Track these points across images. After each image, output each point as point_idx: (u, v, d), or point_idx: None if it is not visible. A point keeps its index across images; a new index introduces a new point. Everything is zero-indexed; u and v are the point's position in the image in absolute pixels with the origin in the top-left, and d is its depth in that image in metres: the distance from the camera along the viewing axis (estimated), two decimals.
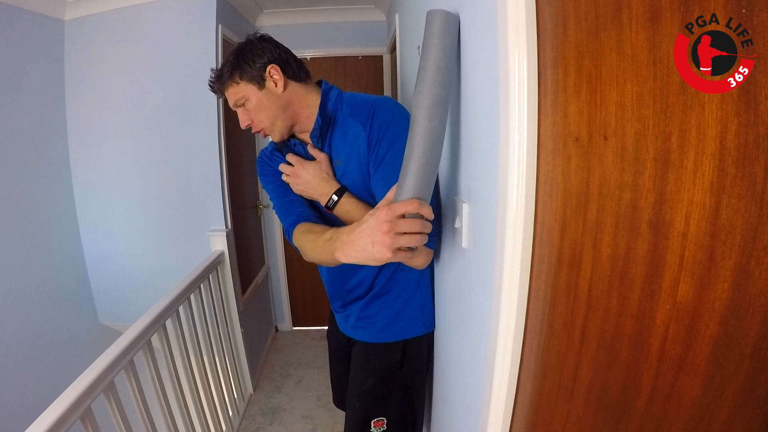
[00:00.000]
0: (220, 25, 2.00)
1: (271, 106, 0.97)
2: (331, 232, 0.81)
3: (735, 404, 0.29)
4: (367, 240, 0.68)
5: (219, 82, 0.98)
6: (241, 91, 0.96)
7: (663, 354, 0.34)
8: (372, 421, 1.13)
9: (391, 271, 1.08)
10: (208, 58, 1.97)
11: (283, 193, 1.07)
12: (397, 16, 1.96)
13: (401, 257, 0.68)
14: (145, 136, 2.11)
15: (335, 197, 0.97)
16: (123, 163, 2.15)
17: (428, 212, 0.69)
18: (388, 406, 1.14)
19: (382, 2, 2.46)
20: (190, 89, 2.01)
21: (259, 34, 0.99)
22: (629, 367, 0.38)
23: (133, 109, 2.09)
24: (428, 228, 0.69)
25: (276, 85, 0.96)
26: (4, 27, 1.73)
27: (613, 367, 0.40)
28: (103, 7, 1.99)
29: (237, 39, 2.23)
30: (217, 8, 1.97)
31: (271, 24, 2.63)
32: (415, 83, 0.73)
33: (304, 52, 2.67)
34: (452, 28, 0.73)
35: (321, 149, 1.02)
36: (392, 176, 0.88)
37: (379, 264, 0.69)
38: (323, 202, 1.00)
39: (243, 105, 0.98)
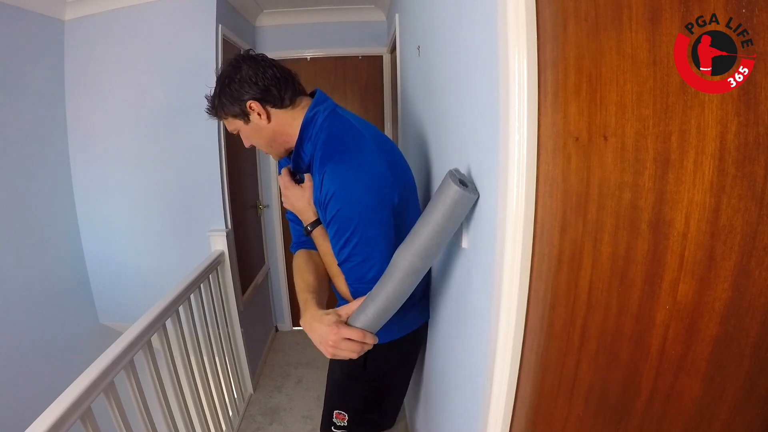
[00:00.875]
0: (220, 25, 2.00)
1: (260, 137, 1.01)
2: (306, 296, 0.94)
3: (735, 404, 0.29)
4: (317, 338, 0.86)
5: (213, 113, 1.03)
6: (231, 124, 1.02)
7: (663, 354, 0.34)
8: (335, 411, 1.17)
9: None
10: (208, 58, 1.97)
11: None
12: (397, 16, 1.96)
13: (341, 358, 0.85)
14: (145, 136, 2.11)
15: (309, 228, 1.05)
16: (123, 163, 2.15)
17: (371, 340, 0.84)
18: (349, 401, 1.17)
19: (382, 2, 2.46)
20: (190, 89, 2.01)
21: (236, 60, 0.97)
22: (629, 367, 0.38)
23: (133, 109, 2.08)
24: (367, 348, 0.85)
25: (260, 117, 0.97)
26: (4, 27, 1.73)
27: (613, 367, 0.40)
28: (103, 7, 1.99)
29: (237, 39, 2.23)
30: (217, 8, 1.97)
31: (271, 24, 2.63)
32: (407, 235, 0.79)
33: (304, 52, 2.67)
34: (460, 211, 0.71)
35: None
36: (334, 241, 0.93)
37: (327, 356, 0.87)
38: (304, 224, 1.07)
39: (239, 133, 1.03)
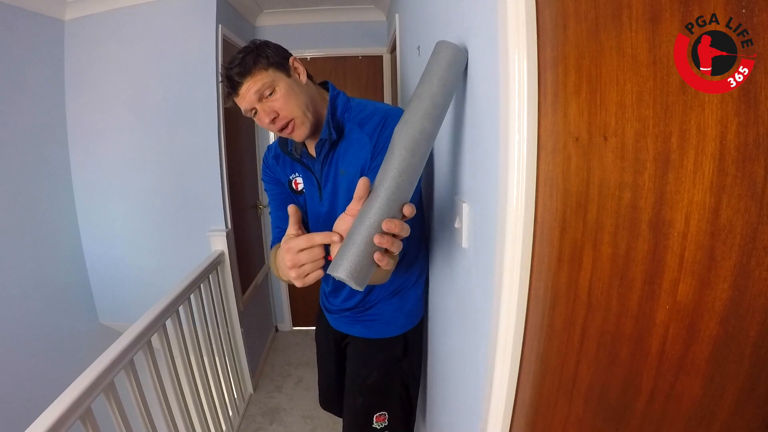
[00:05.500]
0: (220, 25, 2.00)
1: (301, 94, 0.93)
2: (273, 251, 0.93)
3: (735, 404, 0.29)
4: (284, 270, 0.69)
5: (242, 68, 0.87)
6: (269, 76, 0.88)
7: (663, 354, 0.34)
8: (374, 416, 1.14)
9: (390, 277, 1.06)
10: (208, 58, 1.97)
11: (275, 207, 1.13)
12: (397, 16, 1.96)
13: (311, 281, 0.68)
14: (145, 136, 2.11)
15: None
16: (123, 163, 2.15)
17: (322, 239, 0.65)
18: (388, 399, 1.16)
19: (382, 2, 2.46)
20: (190, 89, 2.01)
21: (260, 41, 0.96)
22: (629, 367, 0.38)
23: (133, 109, 2.08)
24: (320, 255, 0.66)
25: (300, 77, 0.95)
26: (4, 27, 1.73)
27: (613, 367, 0.40)
28: (103, 7, 1.99)
29: (237, 39, 2.23)
30: (217, 8, 1.97)
31: (271, 24, 2.63)
32: (405, 111, 0.69)
33: (304, 52, 2.67)
34: (459, 64, 0.70)
35: (325, 159, 1.00)
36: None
37: (302, 285, 0.69)
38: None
39: (269, 95, 0.89)
